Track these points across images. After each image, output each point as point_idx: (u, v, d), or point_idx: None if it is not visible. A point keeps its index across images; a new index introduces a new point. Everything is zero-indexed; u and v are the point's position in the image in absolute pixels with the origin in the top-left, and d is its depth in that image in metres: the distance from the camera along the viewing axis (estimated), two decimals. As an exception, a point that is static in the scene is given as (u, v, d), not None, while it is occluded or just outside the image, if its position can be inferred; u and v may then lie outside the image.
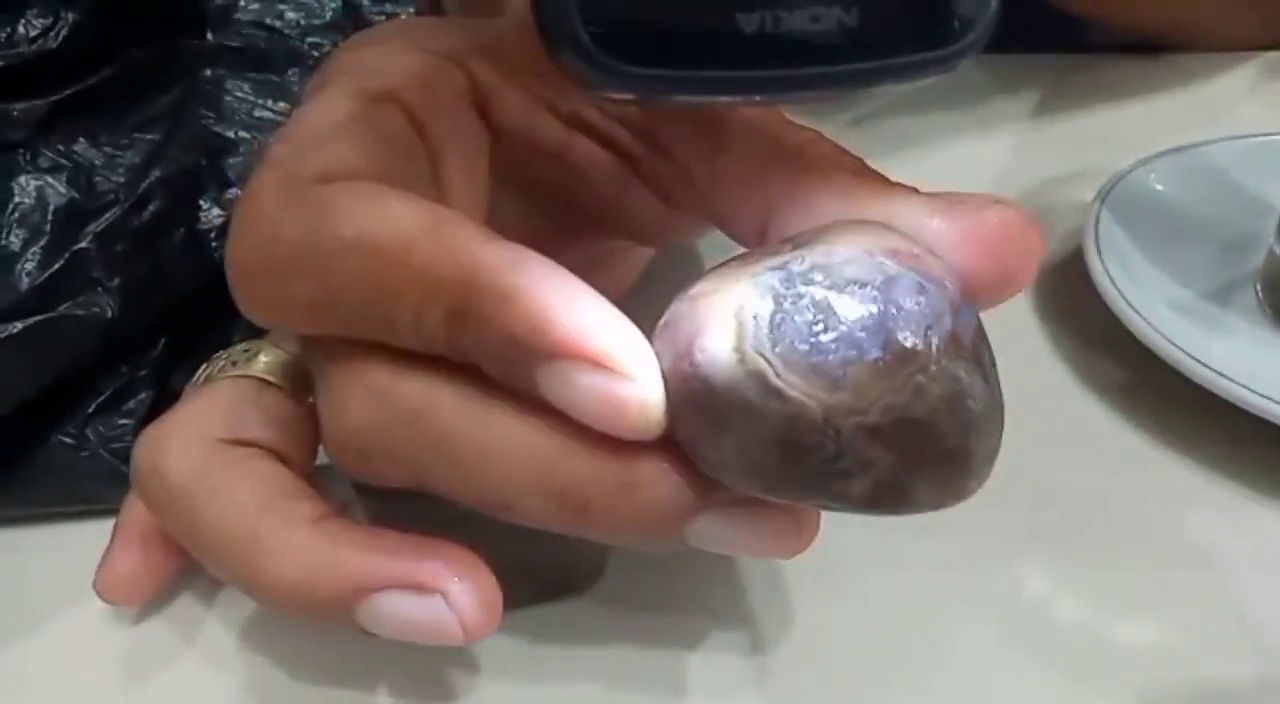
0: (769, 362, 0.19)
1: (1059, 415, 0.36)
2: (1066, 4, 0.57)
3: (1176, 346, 0.34)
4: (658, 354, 0.21)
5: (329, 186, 0.22)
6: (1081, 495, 0.33)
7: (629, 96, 0.21)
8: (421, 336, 0.21)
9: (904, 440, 0.20)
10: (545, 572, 0.29)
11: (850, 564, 0.31)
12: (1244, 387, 0.33)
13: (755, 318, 0.20)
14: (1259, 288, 0.39)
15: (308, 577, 0.23)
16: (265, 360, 0.28)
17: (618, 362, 0.20)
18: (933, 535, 0.31)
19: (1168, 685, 0.28)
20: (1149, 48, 0.59)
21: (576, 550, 0.29)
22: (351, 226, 0.21)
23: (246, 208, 0.23)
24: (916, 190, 0.23)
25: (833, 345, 0.19)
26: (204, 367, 0.29)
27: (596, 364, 0.20)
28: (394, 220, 0.21)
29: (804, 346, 0.19)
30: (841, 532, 0.31)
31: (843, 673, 0.28)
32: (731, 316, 0.20)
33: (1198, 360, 0.34)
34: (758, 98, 0.21)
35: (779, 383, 0.19)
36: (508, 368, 0.21)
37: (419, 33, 0.28)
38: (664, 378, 0.20)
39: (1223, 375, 0.33)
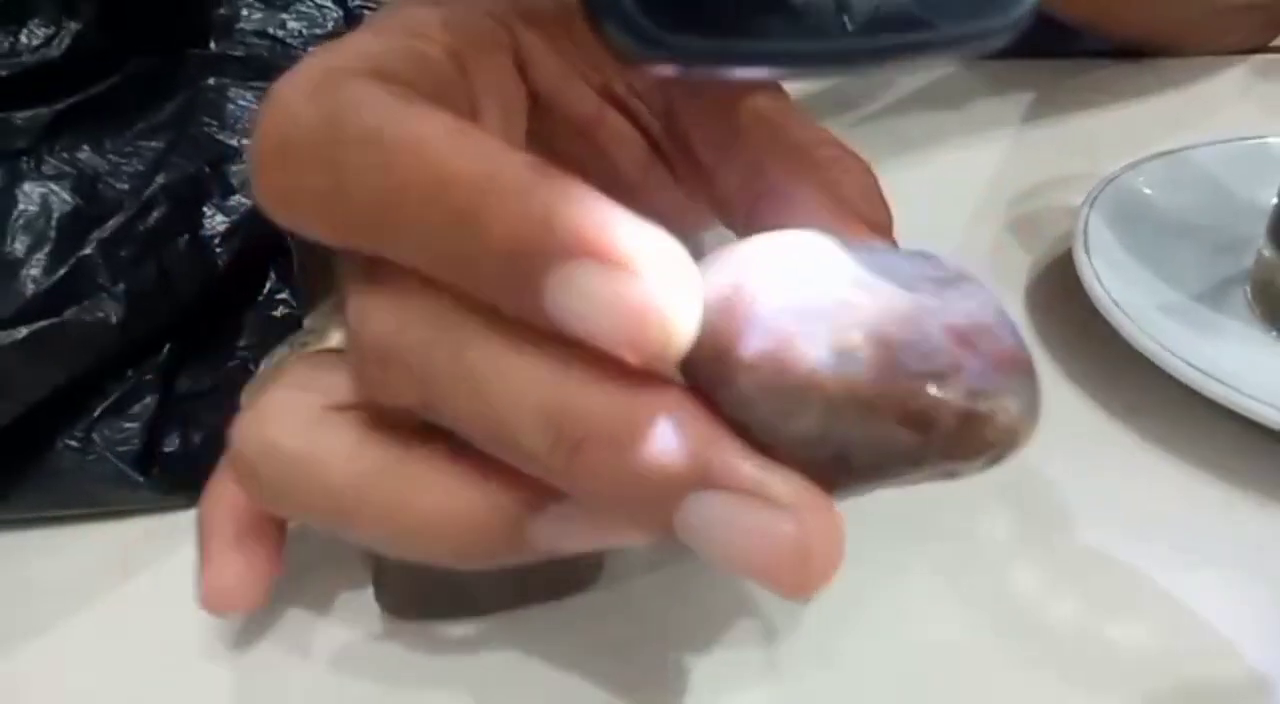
0: None
1: (1049, 417, 0.36)
2: (1060, 12, 0.57)
3: (1166, 349, 0.35)
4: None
5: (358, 80, 0.21)
6: (1071, 497, 0.33)
7: (672, 70, 0.19)
8: (424, 243, 0.20)
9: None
10: (554, 571, 0.30)
11: (846, 564, 0.31)
12: (1233, 389, 0.33)
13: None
14: (1248, 290, 0.40)
15: (468, 500, 0.22)
16: (338, 335, 0.27)
17: (642, 260, 0.18)
18: (925, 536, 0.32)
19: (1161, 686, 0.28)
20: (1138, 53, 0.60)
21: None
22: (372, 117, 0.20)
23: (271, 97, 0.22)
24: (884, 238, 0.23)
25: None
26: (265, 359, 0.28)
27: (615, 263, 0.18)
28: (417, 118, 0.20)
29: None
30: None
31: (839, 673, 0.28)
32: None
33: (1187, 363, 0.34)
34: (803, 71, 0.20)
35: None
36: (514, 282, 0.19)
37: None
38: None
39: (1212, 378, 0.33)
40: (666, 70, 0.19)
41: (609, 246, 0.18)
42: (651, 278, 0.18)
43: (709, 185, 0.26)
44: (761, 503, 0.19)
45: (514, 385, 0.20)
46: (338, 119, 0.20)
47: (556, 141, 0.27)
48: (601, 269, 0.18)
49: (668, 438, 0.19)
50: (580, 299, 0.18)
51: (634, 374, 0.19)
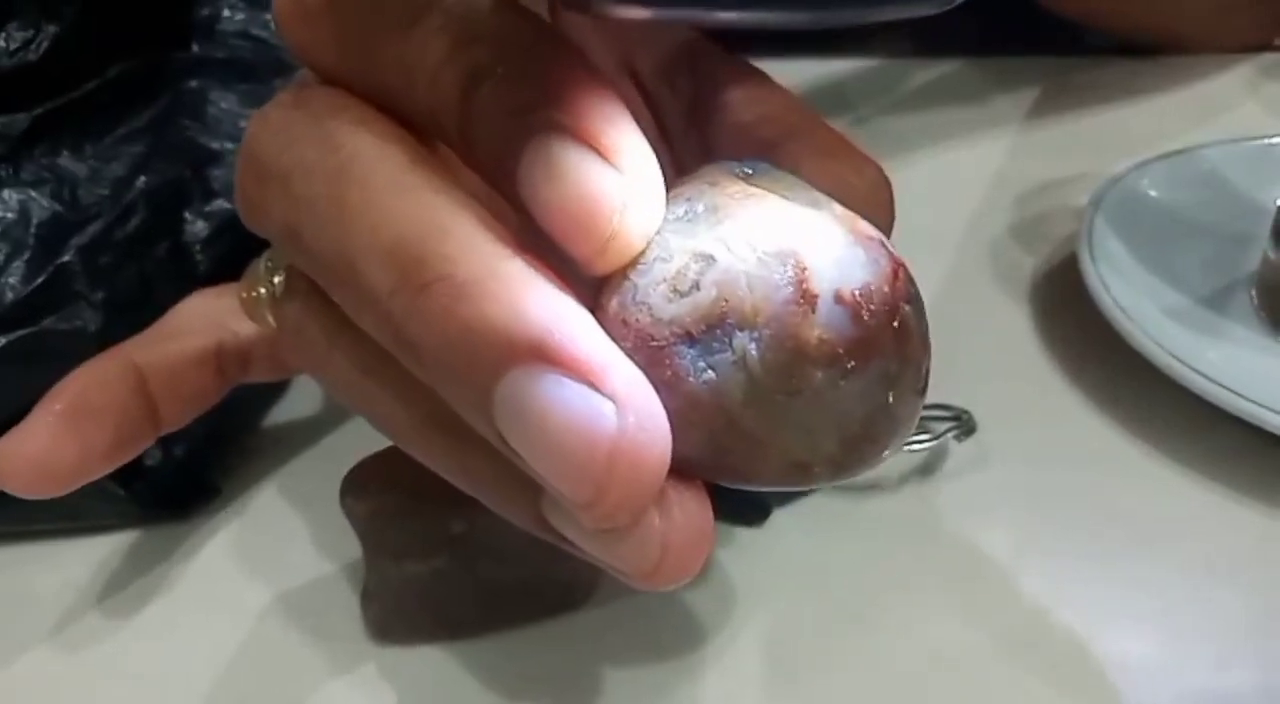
0: None
1: (1052, 421, 0.36)
2: (1063, 8, 0.57)
3: (1170, 353, 0.34)
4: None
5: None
6: (1074, 501, 0.33)
7: (621, 10, 0.19)
8: (436, 86, 0.20)
9: None
10: (545, 590, 0.29)
11: (846, 572, 0.31)
12: (1237, 394, 0.33)
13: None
14: (1253, 293, 0.39)
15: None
16: None
17: (624, 158, 0.18)
18: (928, 542, 0.32)
19: (1162, 695, 0.27)
20: (1144, 50, 0.59)
21: (572, 569, 0.29)
22: None
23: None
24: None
25: None
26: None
27: (599, 148, 0.18)
28: None
29: None
30: (838, 537, 0.32)
31: (839, 681, 0.28)
32: None
33: (1191, 367, 0.34)
34: (741, 15, 0.19)
35: None
36: (501, 132, 0.19)
37: None
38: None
39: (1216, 382, 0.33)
40: (617, 11, 0.19)
41: (597, 134, 0.18)
42: (626, 176, 0.18)
43: None
44: (587, 391, 0.17)
45: (380, 218, 0.19)
46: None
47: None
48: (583, 149, 0.18)
49: (515, 300, 0.18)
50: (551, 167, 0.18)
51: (503, 238, 0.19)
